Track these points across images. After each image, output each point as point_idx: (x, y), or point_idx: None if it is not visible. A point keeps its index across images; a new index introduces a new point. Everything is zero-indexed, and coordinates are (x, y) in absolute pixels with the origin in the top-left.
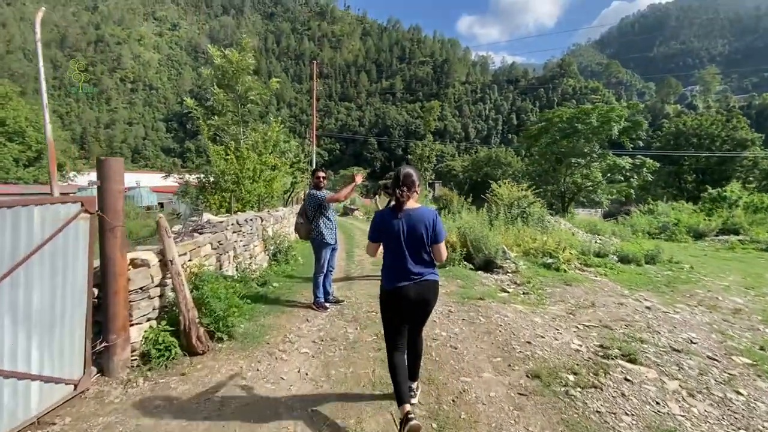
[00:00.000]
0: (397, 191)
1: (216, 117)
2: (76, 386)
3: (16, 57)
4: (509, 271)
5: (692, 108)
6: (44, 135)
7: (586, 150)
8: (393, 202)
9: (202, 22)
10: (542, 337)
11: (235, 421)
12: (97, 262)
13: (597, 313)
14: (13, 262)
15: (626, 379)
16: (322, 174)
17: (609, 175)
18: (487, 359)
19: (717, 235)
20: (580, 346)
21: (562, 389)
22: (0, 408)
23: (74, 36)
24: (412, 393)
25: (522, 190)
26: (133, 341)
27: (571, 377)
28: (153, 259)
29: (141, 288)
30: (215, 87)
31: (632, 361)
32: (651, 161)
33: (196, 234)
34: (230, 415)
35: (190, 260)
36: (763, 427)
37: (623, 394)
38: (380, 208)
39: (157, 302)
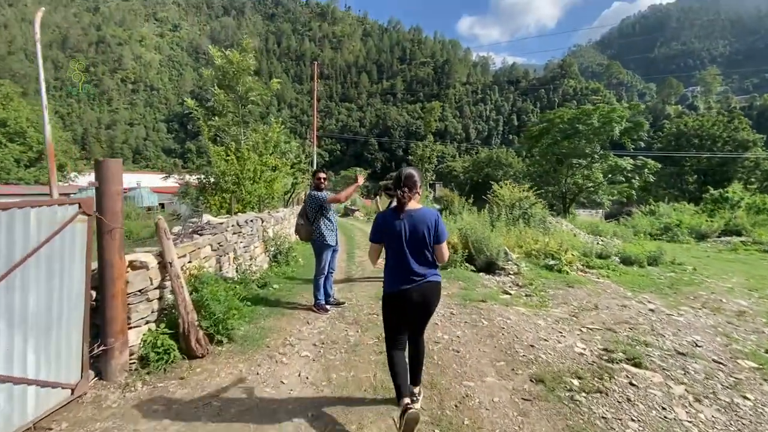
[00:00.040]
0: (399, 192)
1: (217, 118)
2: (73, 390)
3: (18, 58)
4: (511, 272)
5: (693, 109)
6: (44, 136)
7: (587, 151)
8: (395, 203)
9: (203, 23)
10: (545, 340)
11: (235, 426)
12: (95, 265)
13: (600, 316)
14: (8, 264)
15: (631, 384)
16: (322, 175)
17: (610, 175)
18: (490, 363)
19: (719, 237)
20: (584, 349)
21: (567, 394)
22: None
23: (75, 37)
24: (415, 398)
25: (523, 190)
26: (131, 344)
27: (576, 382)
28: (152, 261)
29: (140, 290)
30: (216, 88)
31: (637, 365)
32: (652, 162)
33: (195, 235)
34: (230, 420)
35: (189, 262)
36: None
37: (629, 399)
38: (381, 209)
39: (155, 305)
